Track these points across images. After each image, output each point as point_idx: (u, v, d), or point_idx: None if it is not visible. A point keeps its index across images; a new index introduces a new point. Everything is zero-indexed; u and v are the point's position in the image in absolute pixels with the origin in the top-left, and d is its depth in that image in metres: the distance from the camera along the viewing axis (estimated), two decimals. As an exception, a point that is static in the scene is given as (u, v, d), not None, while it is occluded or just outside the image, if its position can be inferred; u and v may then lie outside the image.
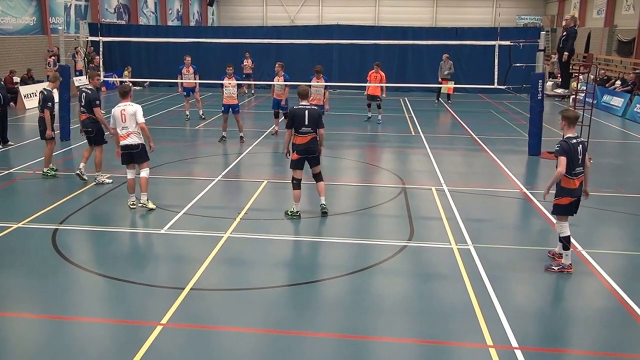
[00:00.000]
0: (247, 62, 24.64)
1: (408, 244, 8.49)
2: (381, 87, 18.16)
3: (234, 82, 15.11)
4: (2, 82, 15.26)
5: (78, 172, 11.31)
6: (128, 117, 9.52)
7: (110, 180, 11.09)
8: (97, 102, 11.20)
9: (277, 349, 5.79)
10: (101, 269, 7.59)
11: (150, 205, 9.69)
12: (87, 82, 11.98)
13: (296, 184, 9.41)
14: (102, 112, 11.77)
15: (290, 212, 9.52)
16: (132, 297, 6.85)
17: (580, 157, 7.39)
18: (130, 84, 10.72)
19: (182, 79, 18.39)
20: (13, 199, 10.65)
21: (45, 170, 11.60)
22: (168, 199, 10.00)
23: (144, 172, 9.71)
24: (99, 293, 7.01)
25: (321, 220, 9.54)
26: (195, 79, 18.34)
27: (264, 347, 5.87)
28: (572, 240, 8.45)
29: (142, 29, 29.87)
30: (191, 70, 18.31)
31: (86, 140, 11.54)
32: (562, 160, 7.25)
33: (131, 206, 9.72)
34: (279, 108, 15.91)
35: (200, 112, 18.96)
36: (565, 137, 7.52)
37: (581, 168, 7.42)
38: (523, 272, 7.70)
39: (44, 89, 11.77)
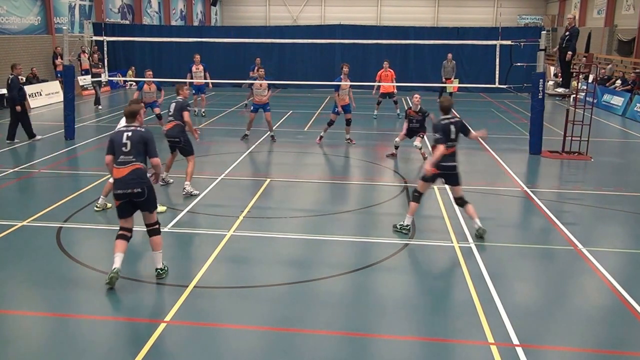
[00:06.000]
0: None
1: (410, 242, 8.55)
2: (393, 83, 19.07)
3: (265, 82, 15.22)
4: (14, 81, 15.30)
5: (162, 183, 10.76)
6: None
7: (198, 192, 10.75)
8: (188, 107, 10.87)
9: (280, 346, 5.85)
10: (105, 266, 7.62)
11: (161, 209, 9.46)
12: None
13: (417, 197, 8.84)
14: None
15: (400, 225, 8.88)
16: (136, 295, 6.90)
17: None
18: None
19: (191, 77, 18.38)
20: (17, 197, 10.72)
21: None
22: (172, 197, 10.05)
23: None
24: (103, 291, 7.04)
25: (323, 219, 9.60)
26: (206, 77, 18.40)
27: (267, 344, 5.92)
28: (572, 238, 8.55)
29: (146, 29, 29.97)
30: (201, 68, 18.38)
31: (169, 148, 11.03)
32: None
33: (96, 208, 9.66)
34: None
35: (202, 111, 19.14)
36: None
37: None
38: (524, 270, 7.76)
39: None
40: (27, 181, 11.58)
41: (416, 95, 13.52)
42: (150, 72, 16.11)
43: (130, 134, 7.00)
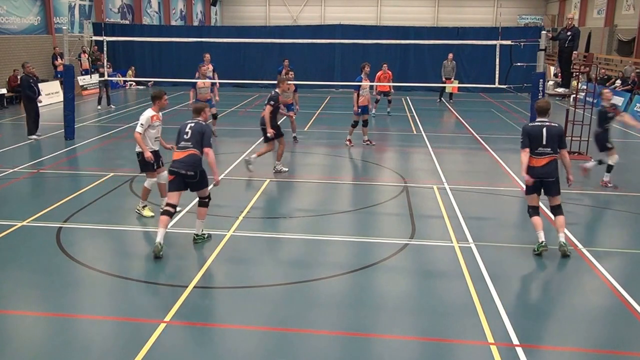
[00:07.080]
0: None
1: (410, 242, 8.55)
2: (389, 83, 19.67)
3: (292, 85, 15.19)
4: (23, 79, 15.84)
5: (277, 169, 12.24)
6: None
7: (287, 169, 12.30)
8: (272, 102, 11.80)
9: (279, 346, 5.84)
10: (105, 266, 7.65)
11: (146, 213, 9.47)
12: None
13: (532, 212, 8.26)
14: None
15: (538, 245, 8.07)
16: (136, 295, 6.92)
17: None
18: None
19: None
20: (17, 197, 10.71)
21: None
22: (171, 197, 10.03)
23: (146, 183, 9.50)
24: (102, 291, 7.07)
25: (323, 219, 9.60)
26: (214, 77, 18.27)
27: (267, 344, 5.91)
28: (572, 238, 8.56)
29: (146, 29, 30.00)
30: (210, 67, 18.23)
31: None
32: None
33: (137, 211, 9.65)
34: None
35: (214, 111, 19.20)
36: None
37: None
38: (524, 270, 7.75)
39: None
40: (27, 181, 11.57)
41: (605, 90, 12.17)
42: (204, 68, 15.91)
43: (193, 124, 8.21)
